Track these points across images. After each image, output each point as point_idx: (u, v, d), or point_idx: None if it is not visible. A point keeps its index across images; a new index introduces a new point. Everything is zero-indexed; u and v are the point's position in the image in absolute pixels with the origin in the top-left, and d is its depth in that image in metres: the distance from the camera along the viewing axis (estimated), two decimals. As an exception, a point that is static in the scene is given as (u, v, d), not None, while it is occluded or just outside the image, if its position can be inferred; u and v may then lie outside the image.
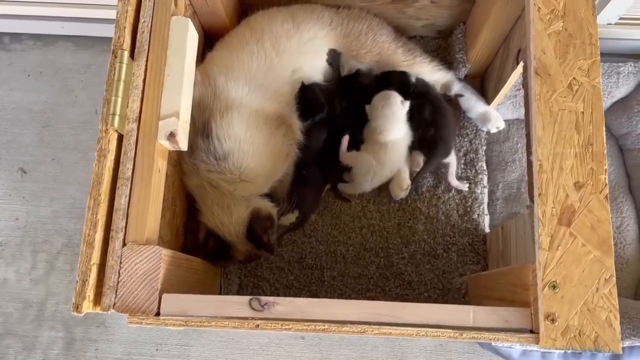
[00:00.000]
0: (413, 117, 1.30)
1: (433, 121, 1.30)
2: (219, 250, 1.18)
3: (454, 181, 1.35)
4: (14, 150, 1.60)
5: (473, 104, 1.39)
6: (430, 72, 1.36)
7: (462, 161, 1.38)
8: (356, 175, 1.31)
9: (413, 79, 1.33)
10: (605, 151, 0.83)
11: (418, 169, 1.33)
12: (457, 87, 1.39)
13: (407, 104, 1.28)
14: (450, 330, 0.81)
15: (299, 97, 1.26)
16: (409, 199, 1.35)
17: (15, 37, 1.68)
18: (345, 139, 1.31)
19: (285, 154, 1.24)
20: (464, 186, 1.35)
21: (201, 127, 1.13)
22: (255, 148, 1.17)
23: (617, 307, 0.78)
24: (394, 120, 1.28)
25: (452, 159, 1.34)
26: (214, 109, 1.14)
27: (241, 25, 1.30)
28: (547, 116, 0.85)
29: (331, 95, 1.30)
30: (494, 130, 1.39)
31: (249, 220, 1.16)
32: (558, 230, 0.81)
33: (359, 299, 1.28)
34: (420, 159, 1.33)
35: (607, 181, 0.82)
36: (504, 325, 0.81)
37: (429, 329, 0.81)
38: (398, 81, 1.32)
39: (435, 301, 1.28)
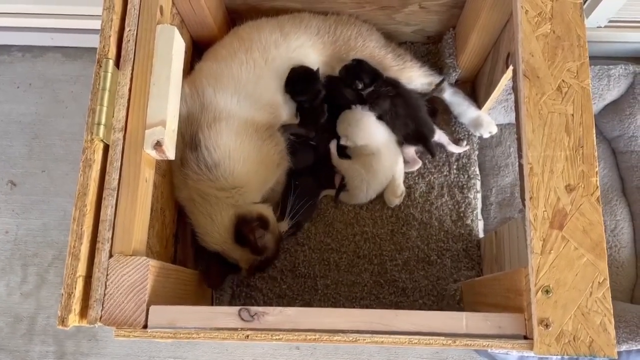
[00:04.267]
0: (391, 119, 1.31)
1: (409, 114, 1.31)
2: (223, 264, 1.18)
3: (455, 148, 1.37)
4: (3, 162, 1.59)
5: (465, 109, 1.38)
6: (421, 77, 1.36)
7: (455, 166, 1.37)
8: (350, 187, 1.31)
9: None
10: (596, 153, 0.82)
11: (415, 169, 1.35)
12: (448, 92, 1.38)
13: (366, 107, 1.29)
14: (443, 338, 0.79)
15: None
16: (402, 205, 1.34)
17: (4, 48, 1.68)
18: (334, 143, 1.31)
19: (276, 163, 1.23)
20: (465, 146, 1.37)
21: (189, 139, 1.13)
22: (245, 156, 1.16)
23: (612, 311, 0.77)
24: (373, 127, 1.28)
25: (439, 134, 1.34)
26: (202, 121, 1.13)
27: (229, 36, 1.29)
28: (536, 119, 0.84)
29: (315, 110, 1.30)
30: (486, 136, 1.38)
31: (235, 224, 1.13)
32: (550, 234, 0.80)
33: (353, 307, 1.27)
34: (411, 151, 1.34)
35: (598, 183, 0.81)
36: (497, 331, 0.80)
37: (422, 337, 0.79)
38: (366, 70, 1.32)
39: (430, 308, 1.26)
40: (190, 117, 1.14)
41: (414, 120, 1.31)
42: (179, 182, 1.16)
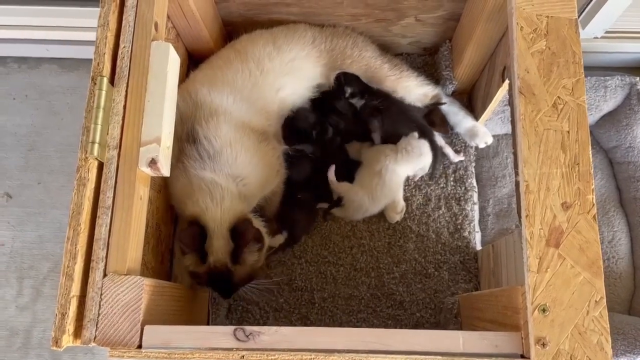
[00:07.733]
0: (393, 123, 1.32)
1: (409, 117, 1.33)
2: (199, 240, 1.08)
3: (453, 155, 1.38)
4: (-2, 174, 1.58)
5: (461, 119, 1.38)
6: (418, 87, 1.36)
7: (452, 178, 1.37)
8: (349, 207, 1.30)
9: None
10: (592, 170, 0.82)
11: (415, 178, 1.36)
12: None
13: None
14: (440, 357, 0.79)
15: (286, 122, 1.27)
16: (399, 218, 1.33)
17: (0, 60, 1.67)
18: (332, 170, 1.30)
19: (276, 169, 1.24)
20: (462, 156, 1.38)
21: (185, 135, 1.12)
22: (246, 149, 1.15)
23: (608, 329, 0.77)
24: (416, 161, 1.30)
25: (438, 138, 1.36)
26: (197, 116, 1.12)
27: (225, 49, 1.30)
28: (532, 136, 0.84)
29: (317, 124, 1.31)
30: (482, 146, 1.38)
31: (236, 220, 1.09)
32: (546, 252, 0.79)
33: (350, 320, 1.27)
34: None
35: (594, 201, 0.81)
36: (494, 350, 0.79)
37: (418, 356, 0.79)
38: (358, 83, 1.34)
39: (428, 321, 1.26)
40: (182, 117, 1.13)
41: (413, 121, 1.33)
42: (174, 176, 1.09)
